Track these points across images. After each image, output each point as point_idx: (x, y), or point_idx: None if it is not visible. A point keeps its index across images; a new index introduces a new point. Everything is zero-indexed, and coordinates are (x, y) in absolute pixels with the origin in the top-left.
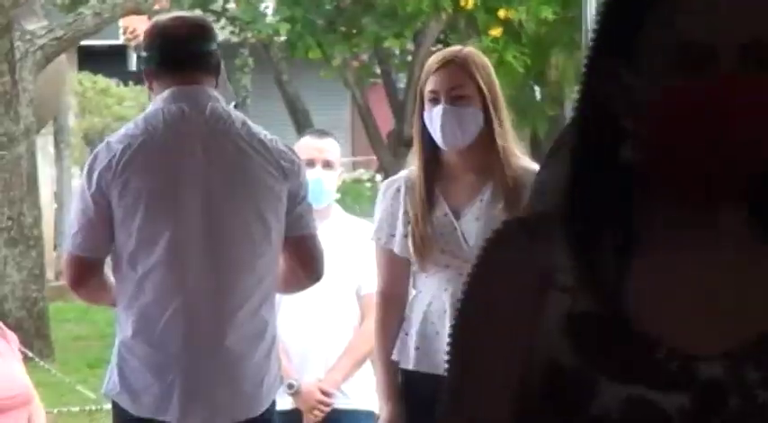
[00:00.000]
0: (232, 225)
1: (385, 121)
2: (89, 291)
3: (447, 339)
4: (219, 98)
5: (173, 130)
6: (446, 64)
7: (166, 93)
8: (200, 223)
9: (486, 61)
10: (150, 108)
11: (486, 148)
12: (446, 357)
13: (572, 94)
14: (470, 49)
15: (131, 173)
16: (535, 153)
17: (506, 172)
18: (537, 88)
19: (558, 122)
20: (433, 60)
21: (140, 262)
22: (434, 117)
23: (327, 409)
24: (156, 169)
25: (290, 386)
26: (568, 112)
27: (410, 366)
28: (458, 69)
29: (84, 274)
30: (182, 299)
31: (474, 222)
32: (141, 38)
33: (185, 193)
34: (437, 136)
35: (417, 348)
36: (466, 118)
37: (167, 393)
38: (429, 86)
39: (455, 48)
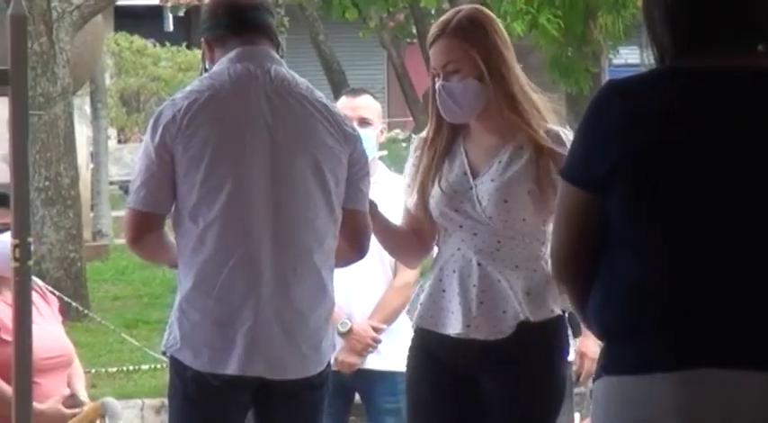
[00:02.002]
0: (293, 179)
1: (421, 81)
2: (148, 248)
3: (454, 298)
4: (283, 62)
5: (238, 86)
6: (438, 38)
7: (232, 53)
8: (263, 176)
9: (486, 20)
10: (216, 67)
11: (503, 111)
12: None
13: (615, 52)
14: (464, 14)
15: (197, 126)
16: (572, 110)
17: (528, 134)
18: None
19: (598, 80)
20: (430, 33)
21: (202, 215)
22: (436, 95)
23: (376, 346)
24: (221, 122)
25: (344, 325)
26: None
27: (412, 320)
28: (449, 42)
29: (145, 229)
30: (243, 251)
31: (489, 183)
32: (203, 11)
33: (250, 146)
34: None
35: (422, 304)
36: (462, 93)
37: (228, 347)
38: (431, 62)
39: (448, 15)
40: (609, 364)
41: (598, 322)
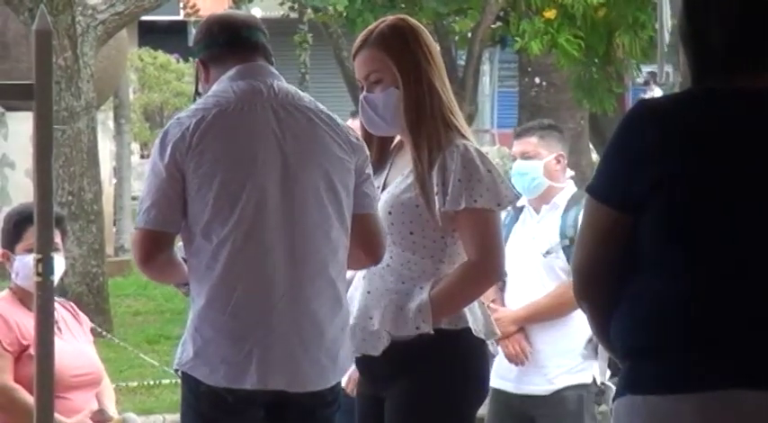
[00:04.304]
0: (306, 192)
1: None
2: (159, 268)
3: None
4: (282, 78)
5: (245, 102)
6: (360, 49)
7: (231, 71)
8: (275, 190)
9: (408, 29)
10: (217, 86)
11: (423, 121)
12: None
13: (639, 72)
14: (387, 23)
15: (207, 143)
16: (594, 131)
17: (422, 148)
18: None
19: (622, 100)
20: (354, 44)
21: (215, 231)
22: (359, 107)
23: None
24: (231, 138)
25: None
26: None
27: None
28: (370, 52)
29: (155, 249)
30: (258, 267)
31: (385, 195)
32: (196, 32)
33: (262, 161)
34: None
35: None
36: (384, 104)
37: (245, 362)
38: (356, 75)
39: (372, 25)
40: (634, 383)
41: (623, 340)
